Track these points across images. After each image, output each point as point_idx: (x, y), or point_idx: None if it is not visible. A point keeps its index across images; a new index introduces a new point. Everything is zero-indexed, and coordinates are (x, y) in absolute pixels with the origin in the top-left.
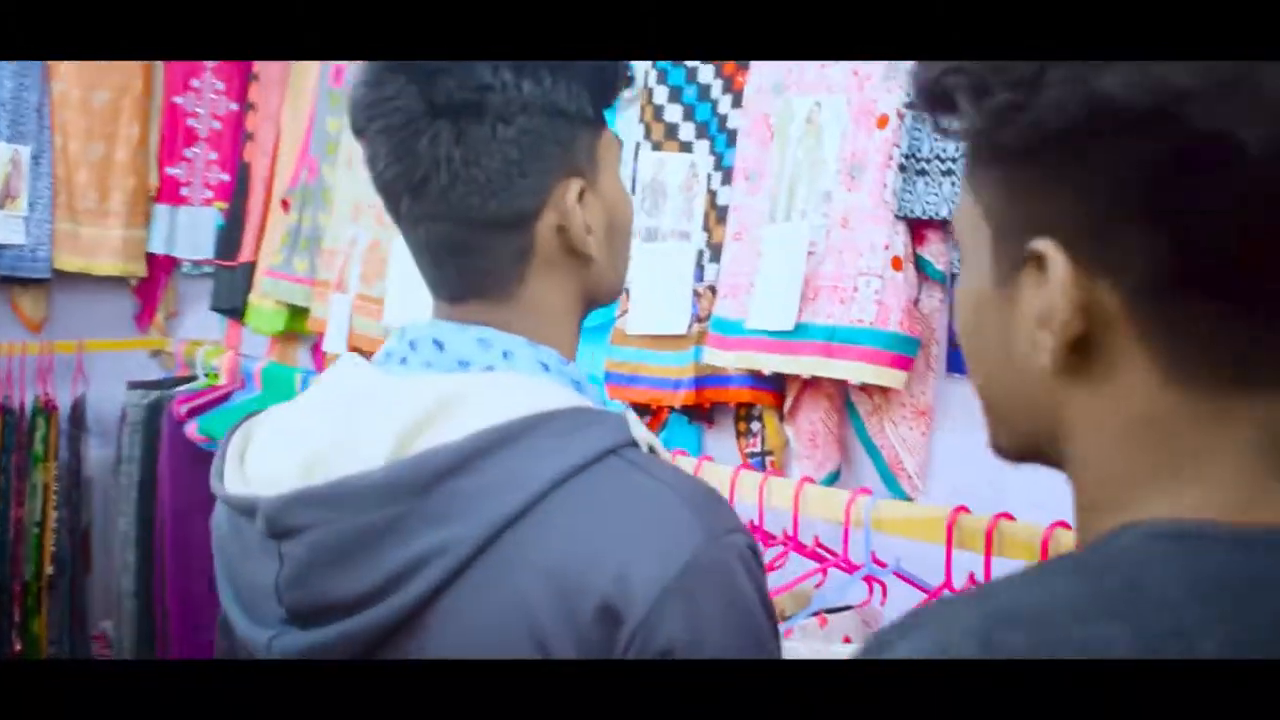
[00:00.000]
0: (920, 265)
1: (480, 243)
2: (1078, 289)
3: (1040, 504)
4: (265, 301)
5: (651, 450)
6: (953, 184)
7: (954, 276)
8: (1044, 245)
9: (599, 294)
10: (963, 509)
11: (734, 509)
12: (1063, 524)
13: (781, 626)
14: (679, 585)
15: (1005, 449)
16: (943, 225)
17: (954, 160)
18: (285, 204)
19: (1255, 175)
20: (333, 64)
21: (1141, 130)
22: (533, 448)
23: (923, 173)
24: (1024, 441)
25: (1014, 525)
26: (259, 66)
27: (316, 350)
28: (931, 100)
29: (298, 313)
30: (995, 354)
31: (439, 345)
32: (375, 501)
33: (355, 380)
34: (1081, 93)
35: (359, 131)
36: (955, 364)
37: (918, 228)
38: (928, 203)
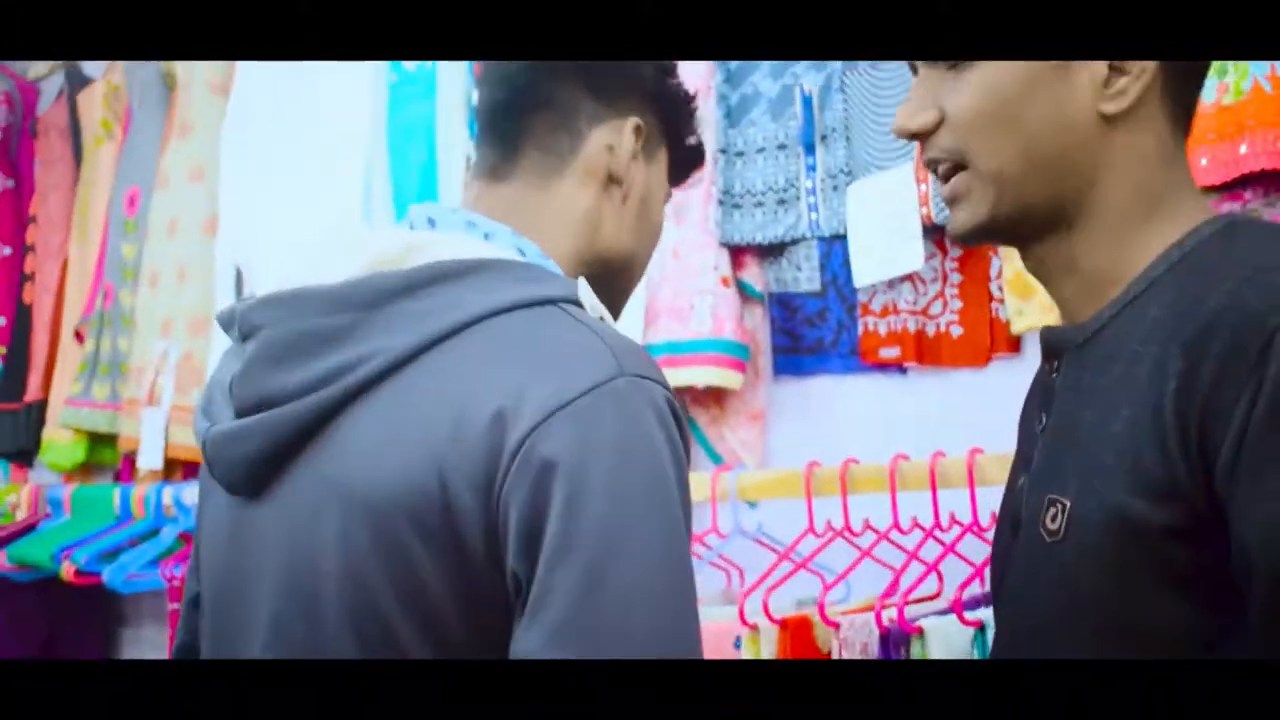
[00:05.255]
0: (740, 287)
1: (553, 107)
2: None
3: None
4: (62, 434)
5: (601, 320)
6: (763, 215)
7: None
8: None
9: (609, 249)
10: (815, 463)
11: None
12: (903, 456)
13: None
14: (576, 405)
15: (1001, 220)
16: (758, 250)
17: (762, 194)
18: (79, 334)
19: None
20: (126, 192)
21: None
22: (476, 283)
23: (737, 206)
24: (1039, 201)
25: (860, 466)
26: (35, 209)
27: (122, 475)
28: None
29: (98, 442)
30: (1045, 116)
31: (431, 223)
32: (325, 308)
33: (344, 233)
34: None
35: None
36: (782, 368)
37: (736, 254)
38: (743, 231)
